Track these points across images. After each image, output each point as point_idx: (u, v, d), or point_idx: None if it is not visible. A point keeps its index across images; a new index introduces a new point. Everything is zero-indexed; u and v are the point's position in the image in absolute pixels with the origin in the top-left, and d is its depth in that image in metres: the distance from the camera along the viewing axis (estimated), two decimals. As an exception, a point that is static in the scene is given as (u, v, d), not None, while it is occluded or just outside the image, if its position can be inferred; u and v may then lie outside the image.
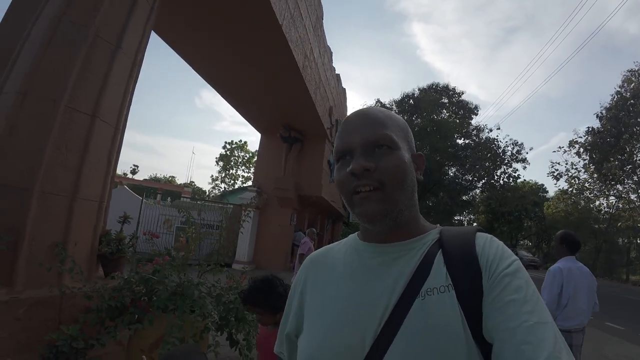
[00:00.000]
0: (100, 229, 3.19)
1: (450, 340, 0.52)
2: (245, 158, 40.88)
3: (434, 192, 27.67)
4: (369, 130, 0.63)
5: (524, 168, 28.23)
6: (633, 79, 15.92)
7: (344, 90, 15.84)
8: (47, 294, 2.50)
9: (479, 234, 0.65)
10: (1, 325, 2.23)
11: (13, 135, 2.59)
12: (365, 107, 0.72)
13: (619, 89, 16.23)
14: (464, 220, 38.65)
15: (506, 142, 25.52)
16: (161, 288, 2.29)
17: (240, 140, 50.50)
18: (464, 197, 29.15)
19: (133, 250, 3.39)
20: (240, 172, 40.79)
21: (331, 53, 11.38)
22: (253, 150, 39.76)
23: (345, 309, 0.62)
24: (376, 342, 0.56)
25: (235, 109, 10.16)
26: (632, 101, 14.96)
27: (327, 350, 0.60)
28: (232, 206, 11.96)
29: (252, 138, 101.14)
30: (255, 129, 12.06)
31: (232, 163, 40.75)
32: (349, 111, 21.32)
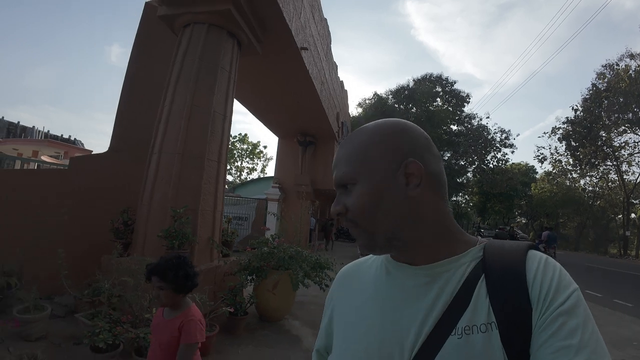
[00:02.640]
0: (221, 227, 5.28)
1: None
2: (248, 150, 42.02)
3: (430, 176, 29.77)
4: (338, 172, 0.62)
5: (512, 152, 30.40)
6: (607, 74, 17.75)
7: (345, 92, 17.71)
8: (209, 266, 4.60)
9: (530, 254, 0.56)
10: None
11: (182, 179, 4.62)
12: (352, 133, 0.66)
13: (595, 82, 18.09)
14: (461, 201, 40.93)
15: (495, 129, 27.50)
16: (282, 255, 4.42)
17: (241, 134, 51.37)
18: (458, 180, 31.32)
19: (237, 238, 5.52)
20: (245, 164, 42.21)
21: (336, 67, 13.26)
22: (254, 142, 40.92)
23: (372, 337, 0.58)
24: None
25: (260, 121, 12.13)
26: (606, 94, 16.79)
27: None
28: (257, 200, 14.05)
29: (248, 126, 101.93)
30: (275, 134, 14.05)
31: (235, 156, 41.85)
32: (351, 109, 23.16)
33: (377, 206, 0.58)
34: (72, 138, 26.56)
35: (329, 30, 10.72)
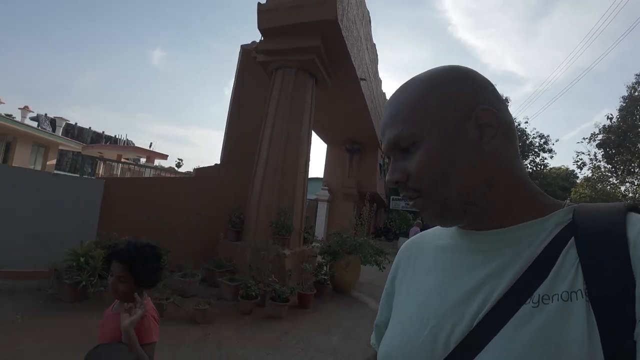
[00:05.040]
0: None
1: None
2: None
3: (467, 179, 30.34)
4: (390, 132, 0.54)
5: (551, 157, 30.26)
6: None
7: (383, 94, 19.08)
8: (299, 249, 6.27)
9: (632, 214, 0.46)
10: (292, 263, 6.01)
11: (282, 186, 6.31)
12: (397, 88, 0.57)
13: (631, 91, 18.25)
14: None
15: (533, 134, 27.56)
16: (354, 243, 6.04)
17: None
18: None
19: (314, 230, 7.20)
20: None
21: (381, 82, 14.71)
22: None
23: (430, 304, 0.52)
24: (460, 347, 0.46)
25: (314, 132, 13.87)
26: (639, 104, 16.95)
27: (402, 348, 0.52)
28: (308, 200, 15.83)
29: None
30: (324, 142, 15.73)
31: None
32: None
33: (448, 167, 0.50)
34: (125, 137, 28.56)
35: (376, 53, 12.21)
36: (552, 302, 0.43)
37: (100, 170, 10.76)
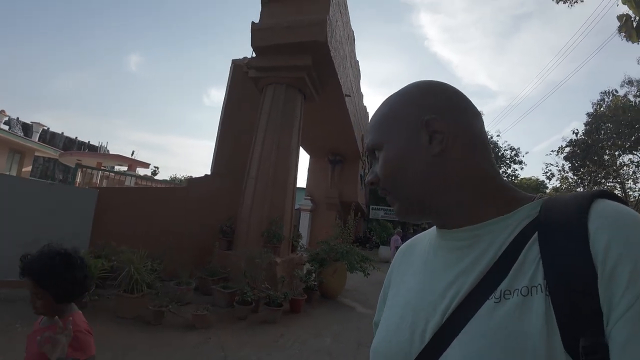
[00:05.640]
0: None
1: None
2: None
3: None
4: (366, 139, 0.63)
5: (522, 169, 31.88)
6: (606, 99, 19.33)
7: (367, 114, 19.70)
8: (289, 258, 6.53)
9: (597, 203, 0.46)
10: (283, 270, 6.26)
11: (273, 197, 6.58)
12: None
13: (596, 107, 19.69)
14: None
15: (505, 147, 29.01)
16: (341, 250, 6.36)
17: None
18: (470, 194, 32.81)
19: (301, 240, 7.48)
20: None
21: (363, 96, 15.28)
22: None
23: (410, 302, 0.56)
24: (432, 341, 0.49)
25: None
26: (604, 119, 18.35)
27: (386, 344, 0.56)
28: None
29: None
30: (307, 153, 16.09)
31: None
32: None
33: (402, 170, 0.56)
34: (101, 144, 27.71)
35: (359, 69, 12.75)
36: (512, 297, 0.44)
37: (78, 178, 10.60)
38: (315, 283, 6.16)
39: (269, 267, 5.58)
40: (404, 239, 11.95)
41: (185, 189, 7.13)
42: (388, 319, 0.59)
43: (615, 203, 0.46)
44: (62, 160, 17.42)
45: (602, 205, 0.45)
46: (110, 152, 19.26)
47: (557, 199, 0.50)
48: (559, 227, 0.45)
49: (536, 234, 0.47)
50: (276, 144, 6.68)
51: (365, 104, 16.97)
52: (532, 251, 0.46)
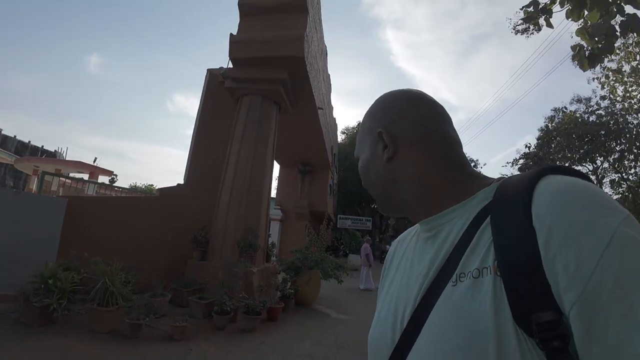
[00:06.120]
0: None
1: (470, 341, 0.42)
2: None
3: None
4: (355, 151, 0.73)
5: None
6: (557, 115, 21.07)
7: (336, 126, 20.14)
8: (264, 267, 6.58)
9: (544, 180, 0.46)
10: (259, 279, 6.30)
11: (248, 206, 6.63)
12: None
13: (548, 122, 21.38)
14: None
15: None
16: (315, 258, 6.51)
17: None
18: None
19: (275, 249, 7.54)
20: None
21: (333, 108, 15.67)
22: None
23: (395, 292, 0.60)
24: (407, 327, 0.52)
25: (269, 153, 14.30)
26: (554, 133, 19.97)
27: (376, 333, 0.60)
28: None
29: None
30: (277, 162, 16.18)
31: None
32: (339, 136, 25.61)
33: (368, 175, 0.66)
34: (61, 149, 26.26)
35: (330, 83, 13.13)
36: (466, 279, 0.46)
37: (33, 185, 10.02)
38: (292, 291, 6.26)
39: (245, 276, 5.62)
40: (372, 246, 12.31)
41: (157, 199, 7.00)
42: (379, 310, 0.63)
43: (565, 178, 0.45)
44: (18, 167, 16.20)
45: (548, 183, 0.45)
46: (70, 159, 18.16)
47: (509, 179, 0.52)
48: (507, 208, 0.46)
49: (489, 217, 0.48)
50: (252, 155, 6.77)
51: (334, 116, 17.40)
52: (485, 233, 0.48)
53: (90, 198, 7.63)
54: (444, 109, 0.66)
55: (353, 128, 32.19)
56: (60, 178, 9.62)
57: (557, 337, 0.38)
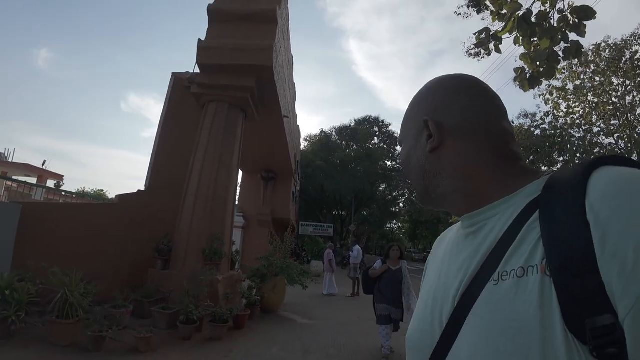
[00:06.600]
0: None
1: (513, 345, 0.40)
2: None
3: (368, 205, 33.36)
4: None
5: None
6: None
7: (300, 133, 20.32)
8: (229, 275, 6.53)
9: (597, 172, 0.43)
10: (224, 287, 6.25)
11: (213, 213, 6.56)
12: None
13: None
14: (394, 228, 45.27)
15: (422, 166, 32.25)
16: (279, 266, 6.57)
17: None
18: (391, 209, 35.32)
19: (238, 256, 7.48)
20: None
21: (297, 116, 15.83)
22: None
23: (433, 290, 0.58)
24: (447, 326, 0.50)
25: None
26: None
27: (415, 331, 0.59)
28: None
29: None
30: (240, 169, 16.01)
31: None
32: (302, 143, 25.77)
33: (409, 165, 0.64)
34: (8, 150, 24.33)
35: (295, 91, 13.29)
36: (509, 278, 0.43)
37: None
38: (258, 298, 6.27)
39: (210, 284, 5.56)
40: (334, 252, 12.54)
41: (116, 206, 6.73)
42: (418, 308, 0.62)
43: (622, 169, 0.42)
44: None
45: (604, 174, 0.42)
46: (18, 161, 16.74)
47: (559, 172, 0.49)
48: (558, 202, 0.43)
49: (537, 212, 0.45)
50: (217, 162, 6.73)
51: (298, 124, 17.56)
52: (532, 229, 0.45)
53: (46, 204, 7.20)
54: (499, 99, 0.62)
55: (316, 135, 32.66)
56: (7, 182, 8.90)
57: (613, 343, 0.35)
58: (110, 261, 5.89)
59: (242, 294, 6.22)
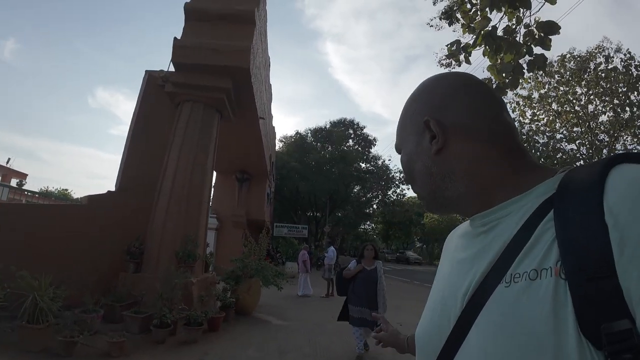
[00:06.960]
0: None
1: (523, 349, 0.39)
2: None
3: (342, 206, 33.68)
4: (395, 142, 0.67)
5: (408, 189, 36.33)
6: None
7: (273, 128, 20.28)
8: (203, 277, 6.46)
9: (616, 170, 0.41)
10: (198, 290, 6.17)
11: (187, 215, 6.47)
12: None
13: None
14: (368, 229, 45.87)
15: (395, 169, 32.85)
16: (254, 268, 6.57)
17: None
18: (365, 211, 35.80)
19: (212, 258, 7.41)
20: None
21: (272, 117, 15.81)
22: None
23: (442, 289, 0.57)
24: (456, 326, 0.49)
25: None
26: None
27: (423, 330, 0.58)
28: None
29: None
30: (215, 170, 15.78)
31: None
32: (277, 144, 25.68)
33: (412, 170, 0.60)
34: None
35: (271, 93, 13.29)
36: (521, 280, 0.42)
37: None
38: (233, 300, 6.24)
39: (184, 287, 5.50)
40: (309, 253, 12.62)
41: (85, 208, 6.50)
42: (427, 307, 0.61)
43: (638, 167, 0.40)
44: None
45: (622, 172, 0.40)
46: None
47: (576, 170, 0.47)
48: (574, 201, 0.41)
49: (552, 211, 0.43)
50: (192, 162, 6.65)
51: (274, 125, 17.53)
52: (546, 230, 0.43)
53: (10, 205, 6.82)
54: (495, 91, 0.62)
55: (291, 137, 32.63)
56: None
57: (630, 349, 0.34)
58: (79, 264, 5.69)
59: (216, 296, 6.17)
